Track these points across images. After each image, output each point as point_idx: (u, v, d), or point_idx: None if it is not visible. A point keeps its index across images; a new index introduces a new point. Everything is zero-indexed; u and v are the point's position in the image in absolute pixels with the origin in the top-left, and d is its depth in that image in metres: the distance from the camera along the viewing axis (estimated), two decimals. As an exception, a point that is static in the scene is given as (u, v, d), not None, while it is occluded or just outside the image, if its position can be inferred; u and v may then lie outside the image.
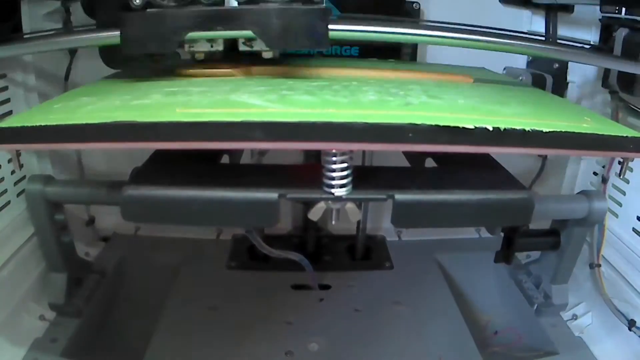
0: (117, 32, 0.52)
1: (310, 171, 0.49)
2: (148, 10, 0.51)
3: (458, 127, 0.40)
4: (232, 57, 0.59)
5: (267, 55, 0.56)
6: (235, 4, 0.51)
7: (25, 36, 0.68)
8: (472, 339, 0.70)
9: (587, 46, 0.75)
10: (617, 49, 0.66)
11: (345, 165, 0.45)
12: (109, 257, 0.86)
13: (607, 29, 0.72)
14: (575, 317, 0.77)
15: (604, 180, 0.76)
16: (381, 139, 0.40)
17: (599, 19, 0.73)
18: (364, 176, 0.48)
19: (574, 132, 0.43)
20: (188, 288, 0.79)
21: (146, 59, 0.64)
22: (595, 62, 0.66)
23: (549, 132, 0.42)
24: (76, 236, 0.77)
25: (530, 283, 0.81)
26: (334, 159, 0.44)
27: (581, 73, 0.84)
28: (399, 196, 0.46)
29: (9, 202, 0.72)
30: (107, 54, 0.63)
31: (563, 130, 0.42)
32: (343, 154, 0.44)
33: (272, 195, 0.45)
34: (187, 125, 0.39)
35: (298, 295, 0.79)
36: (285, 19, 0.50)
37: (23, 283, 0.70)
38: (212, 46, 0.56)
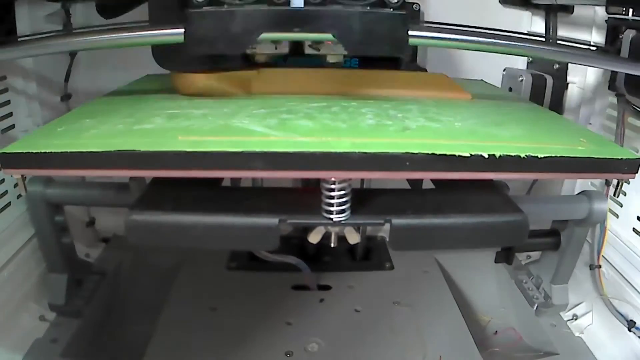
0: (120, 34, 0.51)
1: (310, 195, 0.50)
2: (217, 7, 0.48)
3: (454, 156, 0.41)
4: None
5: (333, 59, 0.54)
6: (301, 5, 0.48)
7: (24, 38, 0.67)
8: (472, 339, 0.70)
9: (593, 47, 0.74)
10: (625, 50, 0.65)
11: (343, 192, 0.46)
12: (109, 258, 0.86)
13: (613, 30, 0.70)
14: (575, 317, 0.77)
15: (607, 183, 0.75)
16: (379, 168, 0.41)
17: (605, 20, 0.71)
18: (362, 200, 0.49)
19: (569, 157, 0.44)
20: (188, 288, 0.79)
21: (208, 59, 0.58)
22: (602, 64, 0.65)
23: (544, 157, 0.42)
24: (76, 237, 0.77)
25: (530, 283, 0.81)
26: (333, 186, 0.45)
27: (582, 73, 0.83)
28: (396, 221, 0.46)
29: (9, 204, 0.72)
30: (162, 53, 0.57)
31: (558, 155, 0.43)
32: (342, 181, 0.45)
33: (272, 220, 0.46)
34: (188, 155, 0.40)
35: (298, 296, 0.79)
36: (366, 23, 0.48)
37: (23, 284, 0.70)
38: (276, 48, 0.53)
